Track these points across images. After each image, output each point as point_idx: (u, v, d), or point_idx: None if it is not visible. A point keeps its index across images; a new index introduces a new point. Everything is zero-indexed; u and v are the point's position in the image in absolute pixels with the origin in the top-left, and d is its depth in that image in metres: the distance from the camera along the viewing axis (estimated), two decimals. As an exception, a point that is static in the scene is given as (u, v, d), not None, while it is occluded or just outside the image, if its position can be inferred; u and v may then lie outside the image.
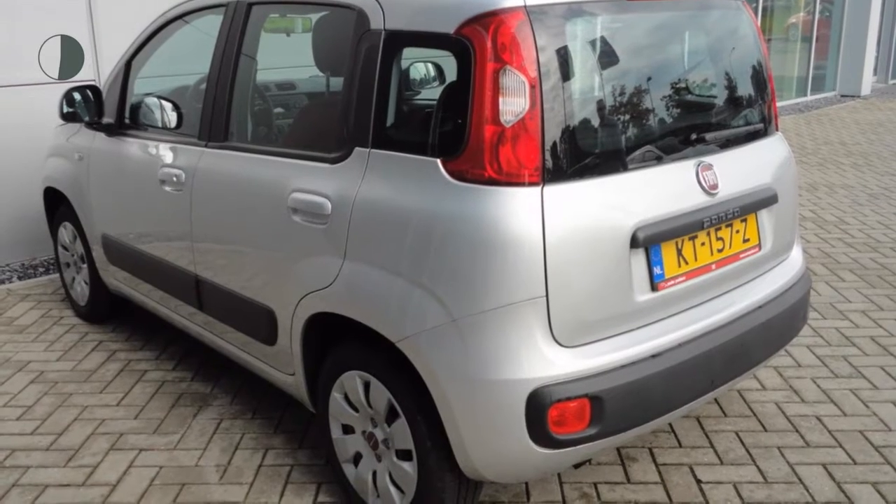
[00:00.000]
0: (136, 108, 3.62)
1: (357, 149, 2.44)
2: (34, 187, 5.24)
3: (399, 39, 2.37)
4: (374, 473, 2.58)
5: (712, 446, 3.07)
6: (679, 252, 2.42)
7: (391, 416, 2.44)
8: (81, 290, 4.38)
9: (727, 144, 2.64)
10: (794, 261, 2.95)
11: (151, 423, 3.33)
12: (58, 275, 5.09)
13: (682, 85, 2.54)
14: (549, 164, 2.14)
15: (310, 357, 2.72)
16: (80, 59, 5.44)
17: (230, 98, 3.02)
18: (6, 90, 5.21)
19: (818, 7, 13.12)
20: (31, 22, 5.21)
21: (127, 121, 3.71)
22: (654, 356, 2.30)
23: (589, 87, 2.27)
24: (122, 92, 3.73)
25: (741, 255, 2.63)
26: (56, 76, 5.34)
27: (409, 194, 2.27)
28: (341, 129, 2.50)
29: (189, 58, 3.63)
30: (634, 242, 2.25)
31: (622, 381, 2.21)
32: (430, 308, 2.19)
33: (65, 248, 4.49)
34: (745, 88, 2.78)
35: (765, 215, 2.73)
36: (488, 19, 2.14)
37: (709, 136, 2.58)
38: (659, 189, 2.36)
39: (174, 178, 3.20)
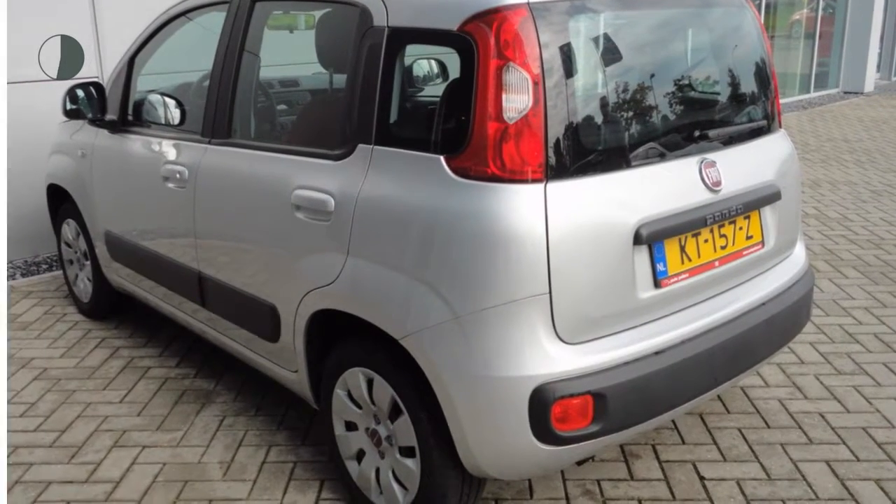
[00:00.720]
0: (139, 104, 3.62)
1: (360, 146, 2.44)
2: (37, 184, 5.25)
3: (402, 36, 2.37)
4: (378, 470, 2.58)
5: (715, 443, 3.07)
6: (682, 249, 2.42)
7: (394, 413, 2.44)
8: (84, 286, 4.38)
9: (730, 141, 2.64)
10: (797, 258, 2.95)
11: (154, 420, 3.33)
12: (61, 272, 5.10)
13: (686, 82, 2.53)
14: (553, 160, 2.14)
15: (313, 354, 2.73)
16: (79, 60, 5.43)
17: (233, 95, 3.02)
18: (9, 87, 5.21)
19: (821, 4, 13.10)
20: (34, 18, 5.20)
21: (130, 118, 3.71)
22: (657, 353, 2.30)
23: (592, 83, 2.27)
24: (125, 89, 3.73)
25: (744, 252, 2.63)
26: (55, 76, 5.34)
27: (413, 191, 2.26)
28: (344, 126, 2.49)
29: (192, 54, 3.63)
30: (638, 239, 2.24)
31: (625, 378, 2.21)
32: (433, 305, 2.19)
33: (68, 244, 4.50)
34: (748, 85, 2.77)
35: (768, 212, 2.73)
36: (492, 16, 2.13)
37: (712, 133, 2.57)
38: (662, 186, 2.36)
39: (177, 175, 3.20)
